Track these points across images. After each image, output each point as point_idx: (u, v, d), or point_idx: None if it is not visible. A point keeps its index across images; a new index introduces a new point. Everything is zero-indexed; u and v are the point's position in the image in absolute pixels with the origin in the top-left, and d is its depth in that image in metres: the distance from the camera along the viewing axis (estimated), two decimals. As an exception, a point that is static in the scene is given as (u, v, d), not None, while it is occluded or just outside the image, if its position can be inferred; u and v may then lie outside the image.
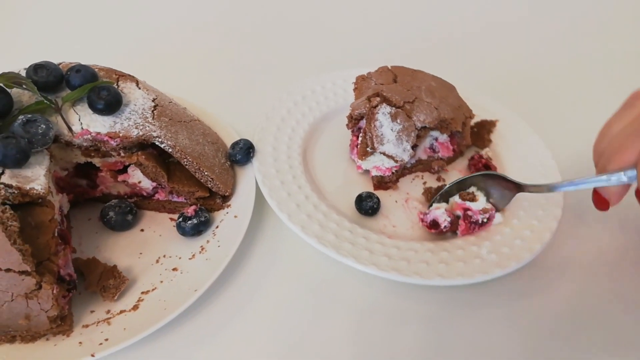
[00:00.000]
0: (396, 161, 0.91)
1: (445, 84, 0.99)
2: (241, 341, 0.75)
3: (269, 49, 1.35)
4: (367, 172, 0.97)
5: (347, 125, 0.97)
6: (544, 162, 0.97)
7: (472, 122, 1.02)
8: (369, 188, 0.95)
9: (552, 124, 1.14)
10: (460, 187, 0.88)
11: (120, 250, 0.83)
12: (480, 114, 1.03)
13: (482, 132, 1.03)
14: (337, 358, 0.74)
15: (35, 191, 0.68)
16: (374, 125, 0.88)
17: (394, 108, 0.89)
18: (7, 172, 0.68)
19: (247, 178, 0.91)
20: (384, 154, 0.90)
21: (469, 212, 0.84)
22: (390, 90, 0.92)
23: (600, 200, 0.74)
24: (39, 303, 0.66)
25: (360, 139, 0.93)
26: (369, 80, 0.98)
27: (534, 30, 1.50)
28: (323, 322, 0.77)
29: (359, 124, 0.96)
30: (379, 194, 0.93)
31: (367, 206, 0.89)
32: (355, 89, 0.99)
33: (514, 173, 0.94)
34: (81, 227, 0.85)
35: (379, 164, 0.93)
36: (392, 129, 0.88)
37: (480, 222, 0.84)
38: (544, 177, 0.94)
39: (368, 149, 0.90)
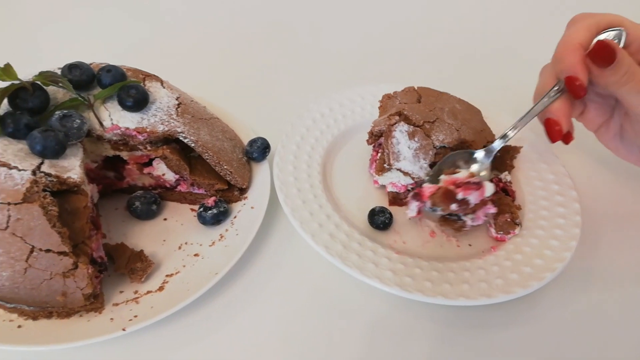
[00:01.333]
0: (413, 178, 0.95)
1: (470, 107, 1.03)
2: (256, 322, 0.81)
3: (290, 59, 1.41)
4: (383, 187, 1.01)
5: (367, 140, 1.02)
6: (564, 192, 0.99)
7: None
8: (385, 203, 1.00)
9: (577, 151, 1.16)
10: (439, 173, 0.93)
11: (145, 237, 0.89)
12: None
13: (505, 157, 1.05)
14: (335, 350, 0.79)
15: (71, 180, 0.75)
16: (391, 142, 0.93)
17: (412, 126, 0.93)
18: (46, 162, 0.75)
19: (262, 173, 0.97)
20: (400, 170, 0.94)
21: (458, 182, 0.88)
22: (411, 110, 0.96)
23: (552, 128, 0.84)
24: (75, 281, 0.73)
25: (379, 155, 0.98)
26: (394, 99, 1.02)
27: None
28: (325, 318, 0.83)
29: (379, 140, 1.01)
30: (393, 209, 0.97)
31: (379, 221, 0.93)
32: (380, 107, 1.04)
33: (532, 200, 0.99)
34: (109, 216, 0.92)
35: (395, 180, 0.97)
36: (409, 147, 0.92)
37: (472, 183, 0.87)
38: (563, 206, 0.96)
39: (385, 165, 0.95)
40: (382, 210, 0.94)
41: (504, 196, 0.98)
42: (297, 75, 1.35)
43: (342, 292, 0.87)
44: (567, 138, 0.88)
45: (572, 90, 0.82)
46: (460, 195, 0.87)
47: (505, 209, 0.94)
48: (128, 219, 0.92)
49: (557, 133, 0.84)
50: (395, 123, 0.94)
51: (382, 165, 0.96)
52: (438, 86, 1.06)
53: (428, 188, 0.90)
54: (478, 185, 0.88)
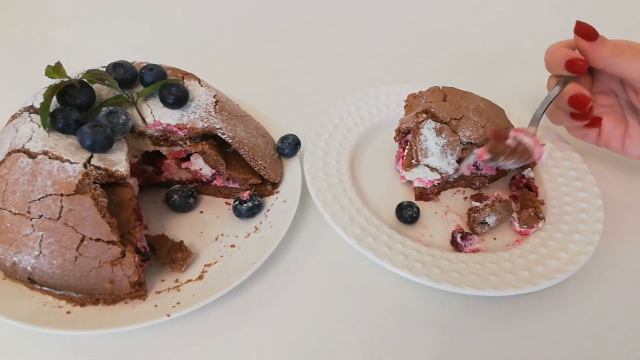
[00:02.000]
0: (440, 174, 0.98)
1: (494, 106, 1.06)
2: (289, 310, 0.85)
3: (318, 59, 1.44)
4: (410, 182, 1.04)
5: (394, 137, 1.06)
6: (586, 188, 1.02)
7: None
8: (411, 198, 1.03)
9: (598, 149, 1.16)
10: None
11: (183, 229, 0.93)
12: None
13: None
14: (355, 340, 0.83)
15: (119, 173, 0.79)
16: (419, 139, 0.96)
17: (439, 123, 0.97)
18: (95, 156, 0.79)
19: (293, 168, 1.01)
20: (427, 166, 0.97)
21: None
22: (438, 107, 0.99)
23: (577, 99, 0.93)
24: (122, 269, 0.76)
25: (406, 151, 1.02)
26: (419, 98, 1.06)
27: None
28: (356, 307, 0.87)
29: (406, 137, 1.05)
30: (420, 204, 1.00)
31: (406, 214, 0.96)
32: (405, 106, 1.07)
33: (554, 196, 1.02)
34: (148, 209, 0.96)
35: (422, 176, 1.00)
36: (436, 143, 0.95)
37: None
38: (586, 202, 0.99)
39: (413, 161, 0.98)
40: (410, 204, 0.97)
41: (527, 192, 1.01)
42: (325, 75, 1.39)
43: (371, 282, 0.90)
44: (596, 121, 0.96)
45: (573, 67, 0.92)
46: (512, 134, 0.93)
47: (529, 203, 0.97)
48: (166, 211, 0.96)
49: (583, 100, 0.93)
50: (422, 120, 0.97)
51: (409, 161, 0.99)
52: (462, 86, 1.09)
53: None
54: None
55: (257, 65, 1.40)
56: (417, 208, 0.97)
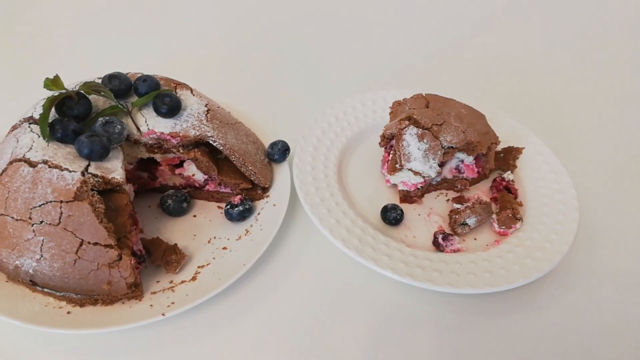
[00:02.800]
0: (423, 177, 1.02)
1: (474, 112, 1.10)
2: (279, 309, 0.89)
3: (305, 66, 1.49)
4: (394, 186, 1.09)
5: (379, 143, 1.10)
6: (564, 190, 1.06)
7: (499, 147, 1.13)
8: (396, 201, 1.08)
9: (580, 153, 1.25)
10: None
11: (177, 232, 0.97)
12: (508, 140, 1.12)
13: (508, 157, 1.12)
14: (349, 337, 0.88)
15: (115, 180, 0.83)
16: (402, 145, 1.01)
17: (421, 129, 1.01)
18: (92, 164, 0.83)
19: (283, 173, 1.05)
20: (410, 170, 1.02)
21: None
22: (420, 114, 1.04)
23: None
24: (120, 271, 0.81)
25: (390, 156, 1.06)
26: (403, 105, 1.10)
27: (570, 60, 1.60)
28: (342, 306, 0.91)
29: (391, 142, 1.09)
30: (404, 206, 1.05)
31: (391, 217, 1.00)
32: (390, 112, 1.12)
33: (533, 198, 1.06)
34: (143, 213, 1.00)
35: (405, 180, 1.05)
36: (418, 148, 1.00)
37: None
38: (563, 203, 1.03)
39: (397, 165, 1.03)
40: (394, 207, 1.01)
41: (507, 194, 1.06)
42: (312, 81, 1.43)
43: (357, 282, 0.94)
44: None
45: None
46: None
47: (507, 205, 1.02)
48: (161, 215, 1.00)
49: None
50: (405, 127, 1.02)
51: (394, 165, 1.03)
52: (447, 92, 1.14)
53: None
54: None
55: (247, 72, 1.45)
56: (402, 210, 1.02)
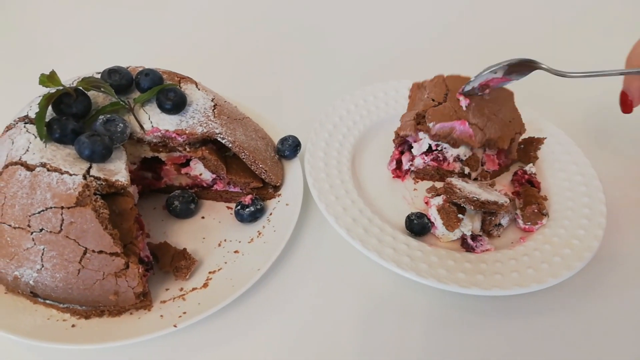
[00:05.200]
0: None
1: (500, 94, 1.04)
2: (295, 315, 0.84)
3: (313, 58, 1.43)
4: (410, 181, 1.06)
5: (393, 140, 1.05)
6: (588, 182, 1.01)
7: (520, 138, 1.06)
8: (413, 196, 1.03)
9: (601, 144, 1.19)
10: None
11: (185, 235, 0.92)
12: (527, 131, 1.05)
13: (529, 148, 1.07)
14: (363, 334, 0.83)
15: (119, 182, 0.77)
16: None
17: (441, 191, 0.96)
18: (94, 166, 0.77)
19: (294, 170, 1.00)
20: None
21: None
22: (435, 115, 0.98)
23: (625, 101, 0.92)
24: (127, 281, 0.75)
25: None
26: (422, 90, 1.05)
27: (587, 41, 1.54)
28: (362, 310, 0.86)
29: (405, 141, 1.05)
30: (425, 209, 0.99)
31: (417, 227, 0.92)
32: (409, 96, 1.06)
33: (556, 191, 1.02)
34: (148, 216, 0.94)
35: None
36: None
37: None
38: (587, 196, 0.99)
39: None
40: (420, 215, 0.94)
41: (530, 187, 1.01)
42: (320, 73, 1.37)
43: (376, 283, 0.89)
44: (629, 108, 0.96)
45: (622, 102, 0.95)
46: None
47: (532, 200, 0.97)
48: (167, 218, 0.94)
49: (626, 110, 0.95)
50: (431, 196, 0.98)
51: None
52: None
53: None
54: None
55: (252, 65, 1.38)
56: (428, 219, 0.95)
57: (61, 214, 0.72)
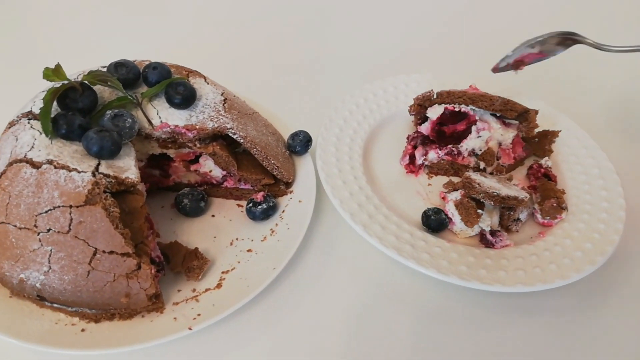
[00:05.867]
0: None
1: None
2: (312, 314, 0.81)
3: (320, 53, 1.40)
4: (426, 177, 1.04)
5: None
6: (606, 175, 0.99)
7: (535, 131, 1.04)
8: (428, 191, 1.01)
9: (617, 137, 1.17)
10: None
11: (196, 234, 0.89)
12: (540, 124, 1.03)
13: (544, 141, 1.05)
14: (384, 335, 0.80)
15: (130, 180, 0.74)
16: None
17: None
18: (103, 163, 0.74)
19: (305, 166, 0.97)
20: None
21: None
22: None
23: None
24: (139, 282, 0.72)
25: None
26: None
27: (600, 30, 1.48)
28: (380, 307, 0.84)
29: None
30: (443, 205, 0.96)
31: (434, 223, 0.90)
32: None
33: (574, 185, 0.99)
34: (156, 215, 0.91)
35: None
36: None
37: None
38: (605, 190, 0.97)
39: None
40: (438, 211, 0.92)
41: (547, 181, 0.99)
42: (328, 68, 1.34)
43: (394, 281, 0.87)
44: None
45: None
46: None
47: (550, 194, 0.95)
48: (176, 216, 0.91)
49: None
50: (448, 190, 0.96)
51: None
52: (466, 73, 1.09)
53: None
54: None
55: (258, 59, 1.35)
56: (445, 214, 0.92)
57: (70, 213, 0.69)
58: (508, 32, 1.49)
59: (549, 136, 1.05)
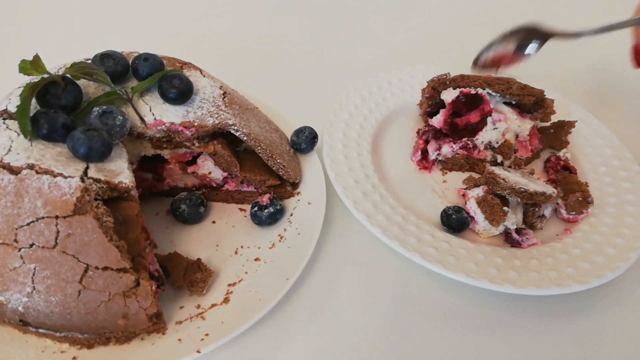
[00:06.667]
0: None
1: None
2: (330, 327, 0.74)
3: (318, 44, 1.31)
4: (438, 172, 0.98)
5: (417, 130, 0.99)
6: (627, 166, 0.95)
7: (547, 123, 1.00)
8: (442, 186, 0.95)
9: (632, 125, 1.12)
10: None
11: (196, 243, 0.80)
12: (556, 114, 0.97)
13: (559, 133, 0.99)
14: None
15: (123, 185, 0.66)
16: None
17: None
18: (92, 166, 0.65)
19: (311, 165, 0.89)
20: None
21: None
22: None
23: (637, 56, 0.90)
24: (138, 301, 0.63)
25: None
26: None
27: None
28: (403, 315, 0.77)
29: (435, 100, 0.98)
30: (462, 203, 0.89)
31: (455, 222, 0.83)
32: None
33: (594, 177, 0.94)
34: (151, 223, 0.82)
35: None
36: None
37: None
38: (628, 181, 0.92)
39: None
40: (458, 209, 0.85)
41: (569, 174, 0.93)
42: (329, 60, 1.26)
43: (416, 287, 0.80)
44: None
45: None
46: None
47: (575, 187, 0.89)
48: (172, 224, 0.82)
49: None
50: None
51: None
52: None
53: None
54: None
55: (251, 51, 1.26)
56: (466, 213, 0.85)
57: (56, 225, 0.60)
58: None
59: (564, 127, 1.00)
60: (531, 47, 0.94)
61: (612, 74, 1.29)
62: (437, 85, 0.96)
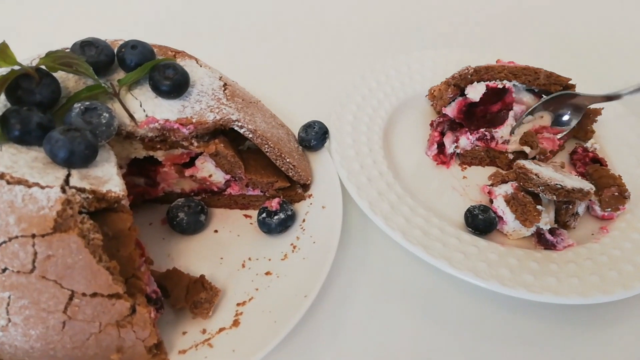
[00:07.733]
0: None
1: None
2: (356, 348, 0.65)
3: (322, 33, 1.22)
4: (457, 167, 0.90)
5: (431, 123, 0.91)
6: None
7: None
8: (464, 183, 0.87)
9: None
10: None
11: (197, 256, 0.71)
12: None
13: (585, 122, 0.92)
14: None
15: (113, 194, 0.56)
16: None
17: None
18: (75, 173, 0.55)
19: (322, 163, 0.80)
20: None
21: None
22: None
23: None
24: (134, 331, 0.54)
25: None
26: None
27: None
28: (433, 335, 0.68)
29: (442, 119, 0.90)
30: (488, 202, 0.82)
31: (482, 224, 0.76)
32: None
33: (625, 169, 0.87)
34: (144, 234, 0.72)
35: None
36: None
37: None
38: None
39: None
40: (485, 208, 0.77)
41: (600, 167, 0.86)
42: (330, 49, 1.17)
43: (445, 297, 0.72)
44: None
45: None
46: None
47: (609, 181, 0.82)
48: (169, 235, 0.73)
49: None
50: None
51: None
52: (490, 48, 0.96)
53: None
54: None
55: (250, 39, 1.16)
56: (494, 213, 0.77)
57: (32, 245, 0.50)
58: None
59: (590, 115, 0.92)
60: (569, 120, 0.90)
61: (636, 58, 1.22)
62: (459, 82, 0.87)
